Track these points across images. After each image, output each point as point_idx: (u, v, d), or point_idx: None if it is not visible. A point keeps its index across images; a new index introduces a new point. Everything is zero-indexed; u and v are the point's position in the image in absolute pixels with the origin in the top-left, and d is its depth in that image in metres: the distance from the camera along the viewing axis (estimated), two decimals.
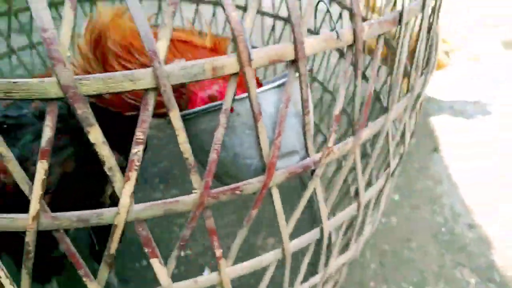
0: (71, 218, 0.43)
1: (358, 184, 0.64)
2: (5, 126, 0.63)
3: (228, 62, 0.41)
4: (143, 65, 0.58)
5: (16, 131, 0.63)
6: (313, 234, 0.62)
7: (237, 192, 0.48)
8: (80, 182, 0.67)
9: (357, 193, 0.65)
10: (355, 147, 0.56)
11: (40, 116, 0.63)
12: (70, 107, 0.37)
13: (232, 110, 0.48)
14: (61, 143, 0.64)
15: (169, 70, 0.38)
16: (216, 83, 0.55)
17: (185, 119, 0.51)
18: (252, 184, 0.49)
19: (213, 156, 0.45)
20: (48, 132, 0.38)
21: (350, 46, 0.49)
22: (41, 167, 0.39)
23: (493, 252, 1.31)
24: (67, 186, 0.65)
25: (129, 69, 0.59)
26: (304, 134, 0.51)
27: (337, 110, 0.51)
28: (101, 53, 0.59)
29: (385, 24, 0.51)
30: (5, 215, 0.42)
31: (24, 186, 0.41)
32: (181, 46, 0.58)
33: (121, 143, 0.71)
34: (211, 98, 0.56)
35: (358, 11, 0.47)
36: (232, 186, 0.48)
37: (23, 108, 0.65)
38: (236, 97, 0.48)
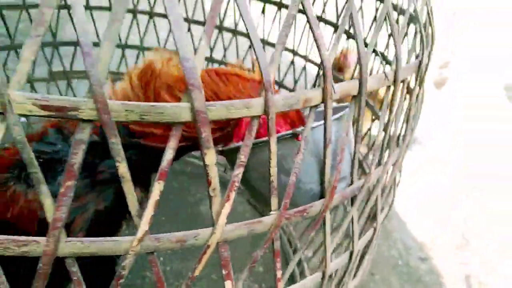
0: (170, 239, 0.45)
1: (353, 233, 0.70)
2: (40, 160, 0.62)
3: (315, 95, 0.47)
4: None
5: (52, 167, 0.63)
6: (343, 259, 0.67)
7: (304, 214, 0.53)
8: (112, 217, 0.67)
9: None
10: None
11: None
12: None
13: (299, 138, 0.54)
14: (102, 177, 0.64)
15: (276, 100, 0.44)
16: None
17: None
18: (315, 207, 0.54)
19: (292, 179, 0.50)
20: (170, 153, 0.41)
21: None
22: (158, 188, 0.41)
23: (444, 282, 1.45)
24: (101, 221, 0.65)
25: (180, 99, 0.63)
26: (352, 161, 0.58)
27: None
28: (152, 90, 0.62)
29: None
30: (109, 238, 0.42)
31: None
32: (233, 79, 0.64)
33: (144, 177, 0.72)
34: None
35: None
36: (301, 208, 0.53)
37: (57, 144, 0.65)
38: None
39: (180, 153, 0.70)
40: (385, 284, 1.40)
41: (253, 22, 0.41)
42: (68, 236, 0.62)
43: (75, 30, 0.35)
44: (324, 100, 0.48)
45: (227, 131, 0.64)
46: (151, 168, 0.71)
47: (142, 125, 0.65)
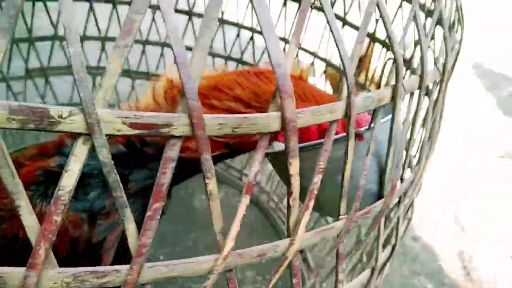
0: (251, 254, 0.42)
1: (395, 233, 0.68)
2: None
3: (387, 94, 0.46)
4: (236, 98, 0.59)
5: (81, 182, 0.58)
6: None
7: (368, 215, 0.52)
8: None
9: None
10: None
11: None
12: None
13: (362, 138, 0.52)
14: (132, 191, 0.61)
15: (357, 102, 0.42)
16: None
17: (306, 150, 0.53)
18: (378, 207, 0.53)
19: (362, 182, 0.48)
20: (257, 166, 0.38)
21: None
22: (244, 202, 0.39)
23: (439, 258, 1.50)
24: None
25: (216, 107, 0.59)
26: (403, 161, 0.57)
27: None
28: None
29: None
30: (189, 260, 0.39)
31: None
32: (272, 76, 0.61)
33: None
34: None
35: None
36: (366, 209, 0.51)
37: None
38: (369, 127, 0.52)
39: (217, 160, 0.67)
40: None
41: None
42: (100, 254, 0.59)
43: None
44: (393, 99, 0.47)
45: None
46: (178, 180, 0.68)
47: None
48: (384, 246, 0.66)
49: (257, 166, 0.38)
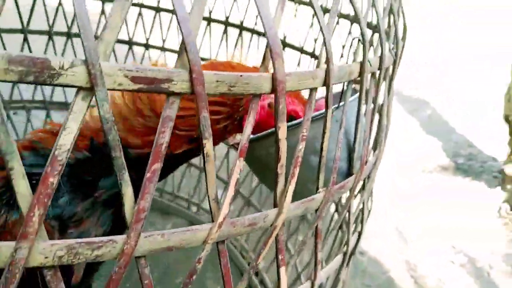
0: (243, 223, 0.42)
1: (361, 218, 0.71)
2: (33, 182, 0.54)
3: (355, 68, 0.49)
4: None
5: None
6: None
7: (342, 190, 0.54)
8: None
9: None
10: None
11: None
12: None
13: None
14: (102, 199, 0.59)
15: (335, 71, 0.45)
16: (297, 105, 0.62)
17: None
18: (350, 182, 0.55)
19: (337, 154, 0.51)
20: (249, 128, 0.39)
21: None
22: (239, 165, 0.39)
23: (387, 270, 1.56)
24: None
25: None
26: (366, 141, 0.60)
27: None
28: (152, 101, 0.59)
29: None
30: (185, 228, 0.39)
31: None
32: (251, 69, 0.62)
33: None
34: (270, 106, 0.62)
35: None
36: (342, 184, 0.54)
37: (39, 165, 0.57)
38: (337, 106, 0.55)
39: (184, 158, 0.66)
40: None
41: None
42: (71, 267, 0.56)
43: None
44: (361, 74, 0.50)
45: (234, 119, 0.62)
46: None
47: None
48: (351, 234, 0.68)
49: (249, 129, 0.39)
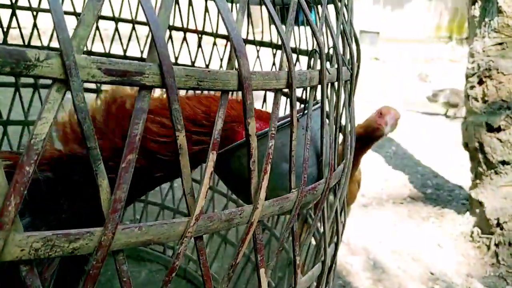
0: (220, 218, 0.43)
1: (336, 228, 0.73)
2: None
3: (315, 75, 0.53)
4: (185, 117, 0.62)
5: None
6: None
7: (314, 192, 0.56)
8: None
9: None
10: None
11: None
12: None
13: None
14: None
15: (296, 74, 0.48)
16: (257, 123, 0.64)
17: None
18: (322, 185, 0.57)
19: (306, 154, 0.53)
20: (220, 123, 0.41)
21: None
22: (212, 158, 0.41)
23: None
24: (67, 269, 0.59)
25: (166, 125, 0.61)
26: (334, 148, 0.63)
27: None
28: (121, 114, 0.61)
29: None
30: (163, 221, 0.39)
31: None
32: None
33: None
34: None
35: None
36: (313, 185, 0.56)
37: None
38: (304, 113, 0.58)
39: (155, 183, 0.67)
40: None
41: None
42: None
43: None
44: (321, 81, 0.54)
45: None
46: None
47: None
48: (328, 245, 0.69)
49: (220, 124, 0.41)
